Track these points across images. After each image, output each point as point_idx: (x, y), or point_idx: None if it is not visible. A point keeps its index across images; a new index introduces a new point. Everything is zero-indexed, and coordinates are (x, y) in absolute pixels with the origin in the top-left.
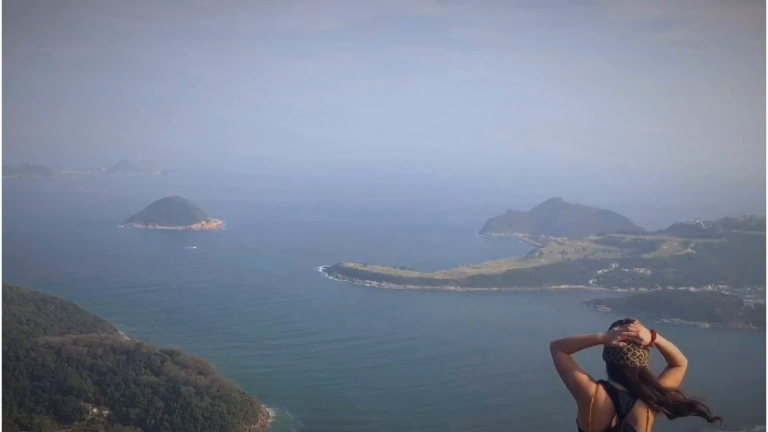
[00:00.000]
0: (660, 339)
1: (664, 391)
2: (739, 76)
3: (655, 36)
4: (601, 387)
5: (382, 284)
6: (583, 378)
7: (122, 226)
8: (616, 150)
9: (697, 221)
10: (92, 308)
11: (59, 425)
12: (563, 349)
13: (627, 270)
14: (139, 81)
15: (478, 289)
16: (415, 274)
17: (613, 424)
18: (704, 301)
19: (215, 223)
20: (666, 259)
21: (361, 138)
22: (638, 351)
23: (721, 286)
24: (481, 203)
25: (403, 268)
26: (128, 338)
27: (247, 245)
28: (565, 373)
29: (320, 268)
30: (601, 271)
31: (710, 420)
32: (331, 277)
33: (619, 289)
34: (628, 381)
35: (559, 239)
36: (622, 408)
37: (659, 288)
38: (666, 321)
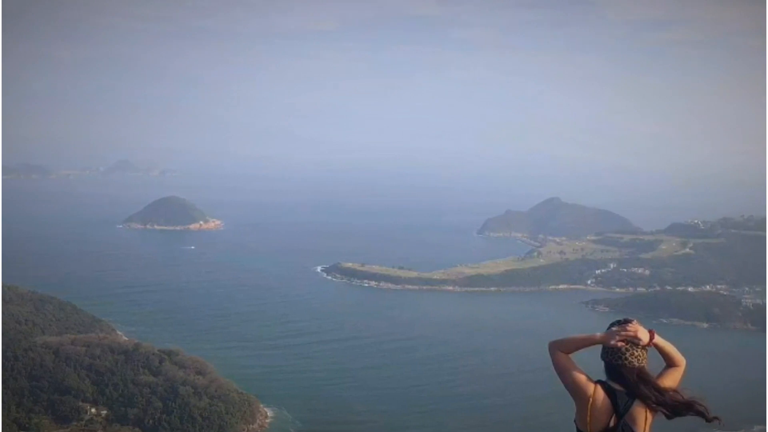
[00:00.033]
0: (658, 339)
1: (662, 391)
2: (738, 76)
3: (655, 36)
4: (599, 387)
5: (381, 284)
6: (582, 378)
7: (120, 226)
8: (616, 150)
9: (696, 221)
10: (90, 308)
11: (57, 425)
12: (561, 349)
13: (625, 270)
14: (139, 81)
15: (477, 289)
16: (414, 274)
17: (612, 424)
18: (702, 301)
19: (213, 223)
20: (664, 259)
21: (360, 138)
22: (636, 351)
23: (719, 286)
24: (479, 203)
25: (401, 268)
26: (126, 338)
27: (246, 245)
28: (564, 373)
29: (319, 268)
30: (599, 271)
31: (708, 420)
32: (329, 277)
33: (617, 289)
34: (627, 381)
35: (557, 239)
36: (620, 408)
37: (657, 288)
38: (664, 321)
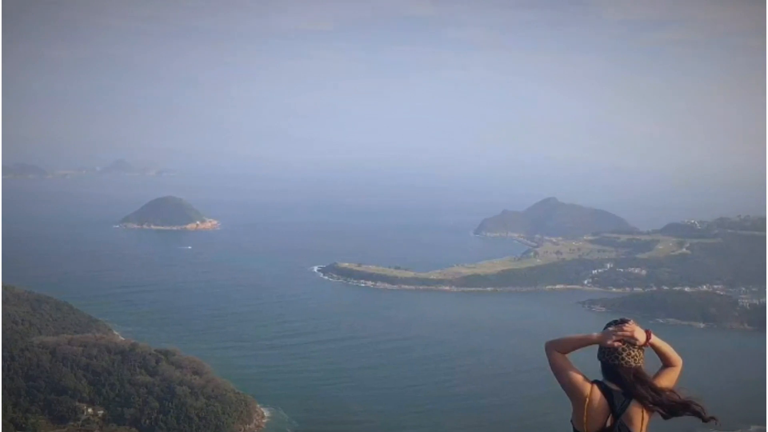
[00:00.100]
0: (655, 339)
1: (659, 391)
2: (737, 76)
3: (653, 36)
4: (596, 387)
5: (377, 284)
6: (578, 378)
7: (117, 226)
8: (613, 150)
9: (692, 221)
10: (87, 308)
11: (54, 425)
12: (558, 349)
13: (622, 270)
14: (136, 81)
15: (473, 289)
16: (410, 274)
17: (608, 424)
18: (699, 301)
19: (210, 223)
20: (661, 259)
21: (357, 138)
22: (633, 351)
23: (716, 286)
24: (476, 203)
25: (398, 268)
26: (123, 338)
27: (243, 245)
28: (560, 373)
29: (315, 268)
30: (595, 271)
31: (705, 420)
32: (326, 277)
33: (614, 289)
34: (623, 381)
35: (554, 239)
36: (617, 408)
37: (654, 288)
38: (661, 321)
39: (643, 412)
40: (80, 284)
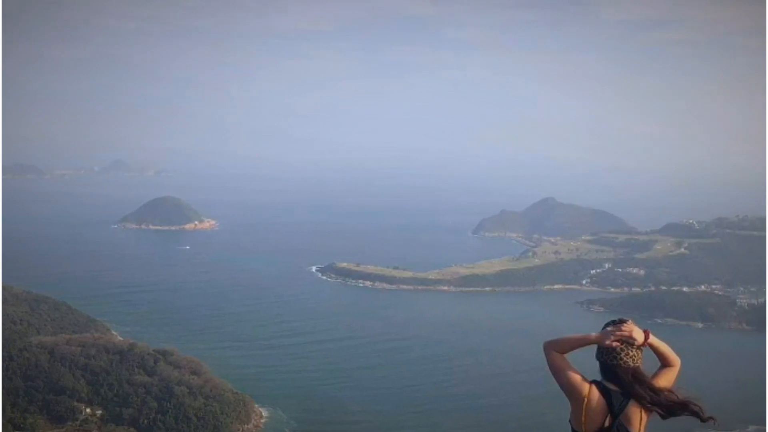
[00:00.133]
0: (653, 339)
1: (657, 391)
2: (737, 76)
3: (652, 36)
4: (594, 387)
5: (376, 284)
6: (577, 378)
7: (115, 226)
8: (612, 150)
9: (691, 221)
10: (85, 308)
11: (52, 425)
12: (556, 349)
13: (620, 270)
14: (134, 81)
15: (471, 289)
16: (409, 274)
17: (606, 424)
18: (697, 301)
19: (208, 223)
20: (659, 259)
21: (355, 138)
22: (631, 351)
23: (714, 286)
24: (474, 203)
25: (396, 268)
26: (121, 338)
27: (241, 245)
28: (559, 373)
29: (314, 268)
30: (594, 271)
31: (703, 420)
32: (324, 277)
33: (612, 289)
34: (622, 381)
35: (552, 239)
36: (615, 408)
37: (652, 288)
38: (659, 321)
39: (641, 412)
40: (79, 284)
